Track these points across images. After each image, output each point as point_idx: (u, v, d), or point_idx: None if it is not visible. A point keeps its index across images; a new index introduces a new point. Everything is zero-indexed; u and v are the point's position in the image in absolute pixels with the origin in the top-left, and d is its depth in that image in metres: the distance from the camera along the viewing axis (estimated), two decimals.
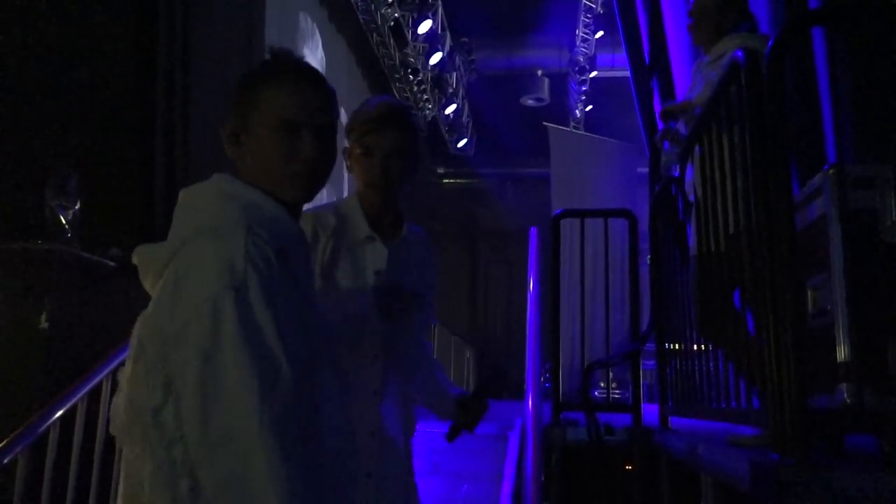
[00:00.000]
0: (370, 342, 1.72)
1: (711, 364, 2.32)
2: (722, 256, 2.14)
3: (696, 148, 2.44)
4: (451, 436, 1.89)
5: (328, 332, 1.27)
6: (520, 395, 2.98)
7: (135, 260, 1.19)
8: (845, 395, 1.70)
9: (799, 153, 2.92)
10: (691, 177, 2.67)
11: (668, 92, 5.60)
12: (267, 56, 1.26)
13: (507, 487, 3.08)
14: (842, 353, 1.71)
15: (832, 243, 1.75)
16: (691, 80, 2.89)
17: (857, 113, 2.08)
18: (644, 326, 3.70)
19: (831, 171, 1.78)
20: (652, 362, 3.67)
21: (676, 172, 2.80)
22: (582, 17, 11.09)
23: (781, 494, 1.49)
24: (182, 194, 1.21)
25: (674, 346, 3.03)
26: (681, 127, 2.88)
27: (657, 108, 5.81)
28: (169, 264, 1.11)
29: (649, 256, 3.45)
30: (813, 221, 1.94)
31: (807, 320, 1.94)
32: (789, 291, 1.59)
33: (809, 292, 1.96)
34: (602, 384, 7.90)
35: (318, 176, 1.22)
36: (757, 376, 1.82)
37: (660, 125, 3.10)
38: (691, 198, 2.71)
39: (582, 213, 3.90)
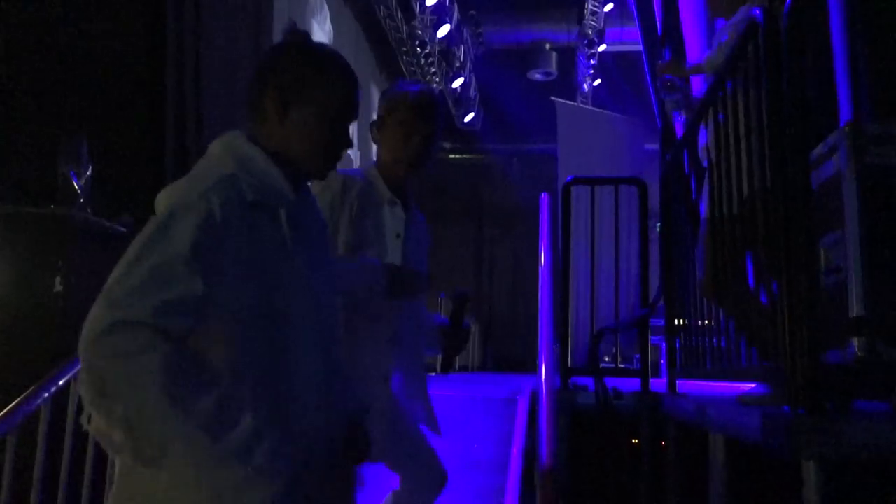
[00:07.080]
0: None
1: (722, 325, 2.33)
2: (735, 218, 2.15)
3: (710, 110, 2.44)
4: (446, 367, 2.01)
5: (318, 290, 1.32)
6: (525, 369, 3.01)
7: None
8: (857, 348, 1.72)
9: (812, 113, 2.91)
10: (704, 141, 2.67)
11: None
12: (285, 35, 1.38)
13: (516, 448, 3.12)
14: (854, 309, 1.73)
15: (847, 200, 1.76)
16: (710, 48, 2.88)
17: (874, 71, 2.07)
18: (653, 295, 3.71)
19: (848, 129, 1.79)
20: (659, 338, 3.70)
21: (678, 116, 2.80)
22: None
23: (792, 444, 1.51)
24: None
25: (682, 320, 3.05)
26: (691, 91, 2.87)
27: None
28: None
29: (659, 224, 3.45)
30: (826, 180, 1.95)
31: (820, 277, 1.95)
32: (804, 247, 1.60)
33: (822, 251, 1.97)
34: (607, 358, 7.90)
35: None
36: (769, 332, 1.84)
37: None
38: (704, 163, 2.71)
39: (592, 181, 3.90)
